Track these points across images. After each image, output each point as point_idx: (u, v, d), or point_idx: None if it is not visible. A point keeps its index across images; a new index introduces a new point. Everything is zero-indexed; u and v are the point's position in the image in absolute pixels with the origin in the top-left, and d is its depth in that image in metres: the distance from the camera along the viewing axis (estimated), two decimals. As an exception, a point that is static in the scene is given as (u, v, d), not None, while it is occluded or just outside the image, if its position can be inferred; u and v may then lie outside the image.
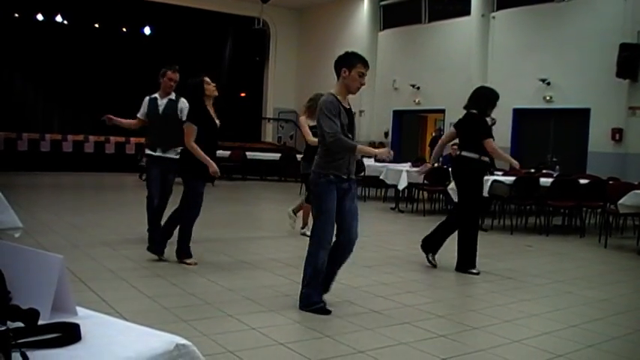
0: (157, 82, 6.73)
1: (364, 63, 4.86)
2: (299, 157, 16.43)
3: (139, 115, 6.78)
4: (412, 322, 4.48)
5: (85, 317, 1.41)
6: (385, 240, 7.97)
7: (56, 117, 19.53)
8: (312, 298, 4.61)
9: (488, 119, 7.04)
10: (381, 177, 12.05)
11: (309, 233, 7.11)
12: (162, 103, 6.64)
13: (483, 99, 6.89)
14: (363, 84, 4.87)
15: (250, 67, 22.12)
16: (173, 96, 6.64)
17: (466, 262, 6.37)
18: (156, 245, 6.24)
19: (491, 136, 6.54)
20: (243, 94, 22.65)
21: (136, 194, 7.73)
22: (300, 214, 8.30)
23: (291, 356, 3.68)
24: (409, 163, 12.55)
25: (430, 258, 6.58)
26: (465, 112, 6.88)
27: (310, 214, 7.26)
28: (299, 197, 13.39)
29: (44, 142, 17.52)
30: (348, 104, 4.83)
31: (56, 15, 18.76)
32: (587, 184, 9.93)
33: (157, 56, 18.59)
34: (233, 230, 8.52)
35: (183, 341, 1.34)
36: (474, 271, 6.34)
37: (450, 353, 3.86)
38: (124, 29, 20.27)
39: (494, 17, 15.92)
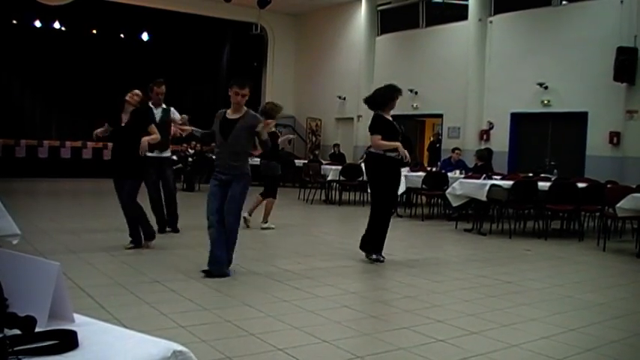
0: (148, 93, 7.81)
1: (238, 84, 5.83)
2: (297, 162, 16.49)
3: None
4: (410, 327, 4.47)
5: (83, 324, 1.41)
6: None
7: (54, 123, 19.50)
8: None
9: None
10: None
11: (267, 225, 9.07)
12: (157, 112, 7.91)
13: (379, 98, 7.40)
14: (238, 101, 5.85)
15: (248, 72, 22.14)
16: (164, 105, 8.12)
17: (374, 247, 6.91)
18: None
19: (383, 134, 6.97)
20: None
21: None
22: (258, 211, 9.16)
23: (290, 362, 3.68)
24: (407, 168, 12.54)
25: (375, 257, 6.94)
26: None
27: (267, 207, 9.04)
28: (298, 201, 13.40)
29: (42, 148, 17.53)
30: (236, 114, 5.93)
31: (54, 21, 18.76)
32: (585, 188, 9.94)
33: (155, 62, 18.66)
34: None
35: (180, 348, 1.34)
36: (379, 257, 6.88)
37: (448, 358, 3.86)
38: (122, 35, 20.28)
39: (491, 22, 15.95)
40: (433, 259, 7.55)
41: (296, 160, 17.04)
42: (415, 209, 12.01)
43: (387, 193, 7.04)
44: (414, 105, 17.78)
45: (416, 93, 17.68)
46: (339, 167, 13.44)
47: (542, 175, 12.18)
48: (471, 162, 13.09)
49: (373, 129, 7.02)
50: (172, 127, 8.26)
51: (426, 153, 18.81)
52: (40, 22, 18.59)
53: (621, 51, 12.69)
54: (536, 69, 14.62)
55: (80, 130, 18.82)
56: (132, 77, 15.98)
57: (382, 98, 7.30)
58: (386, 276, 6.34)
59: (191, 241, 7.83)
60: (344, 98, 20.03)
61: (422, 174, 11.72)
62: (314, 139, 21.14)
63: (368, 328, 4.45)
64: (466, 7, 16.27)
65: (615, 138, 13.13)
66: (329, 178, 13.30)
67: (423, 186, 11.32)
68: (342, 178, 13.15)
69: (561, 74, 14.18)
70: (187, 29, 19.89)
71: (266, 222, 9.07)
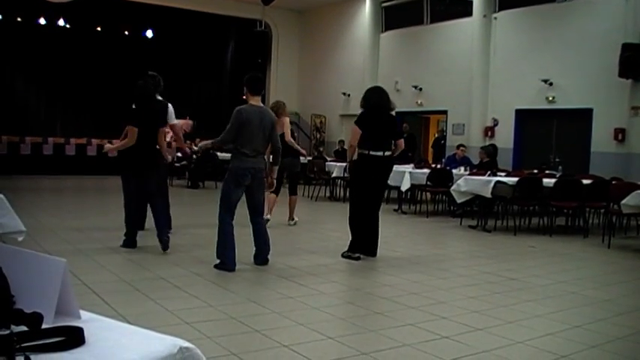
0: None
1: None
2: (302, 159, 16.47)
3: None
4: (415, 324, 4.48)
5: (89, 320, 1.42)
6: (388, 242, 7.96)
7: (59, 120, 19.54)
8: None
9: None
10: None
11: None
12: None
13: (370, 99, 7.08)
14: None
15: (252, 69, 22.02)
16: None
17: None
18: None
19: (361, 127, 6.83)
20: (245, 97, 22.65)
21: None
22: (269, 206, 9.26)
23: (294, 358, 3.69)
24: (412, 165, 12.55)
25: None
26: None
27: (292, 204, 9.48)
28: (303, 198, 13.39)
29: (47, 145, 17.54)
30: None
31: (58, 19, 18.78)
32: (590, 185, 9.92)
33: (159, 59, 18.65)
34: (239, 232, 8.50)
35: (186, 344, 1.34)
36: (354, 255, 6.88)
37: (453, 354, 3.86)
38: (126, 32, 20.28)
39: (495, 18, 15.90)
40: (438, 256, 7.55)
41: (300, 157, 17.01)
42: (420, 206, 11.99)
43: (361, 191, 7.19)
44: (419, 101, 17.75)
45: (420, 89, 17.66)
46: (344, 164, 13.42)
47: (547, 171, 12.16)
48: (475, 159, 13.07)
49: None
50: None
51: (430, 150, 18.77)
52: (45, 19, 18.61)
53: (626, 47, 12.64)
54: (540, 65, 14.58)
55: (85, 128, 18.87)
56: (136, 74, 16.01)
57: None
58: (390, 273, 6.34)
59: (195, 238, 7.85)
60: (348, 95, 20.00)
61: (426, 171, 11.71)
62: (318, 135, 21.14)
63: (373, 324, 4.45)
64: (470, 3, 16.22)
65: (620, 134, 13.09)
66: (333, 175, 13.29)
67: (428, 183, 11.31)
68: (346, 174, 13.13)
69: (566, 71, 14.13)
70: (191, 26, 19.89)
71: (293, 218, 9.55)
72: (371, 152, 6.75)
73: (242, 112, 5.97)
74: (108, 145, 7.04)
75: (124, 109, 7.19)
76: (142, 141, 6.76)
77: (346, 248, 7.01)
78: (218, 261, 6.04)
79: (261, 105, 6.20)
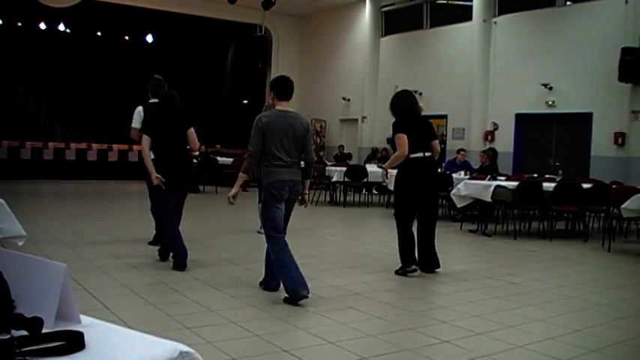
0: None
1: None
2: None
3: None
4: (416, 328, 4.48)
5: (89, 325, 1.42)
6: (388, 246, 7.96)
7: (59, 125, 19.57)
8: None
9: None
10: (383, 183, 12.05)
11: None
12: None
13: (397, 104, 6.79)
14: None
15: (252, 74, 22.14)
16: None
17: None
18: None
19: (405, 132, 6.40)
20: (245, 101, 22.69)
21: (139, 202, 7.73)
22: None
23: (295, 363, 3.69)
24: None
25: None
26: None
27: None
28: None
29: (47, 150, 17.57)
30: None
31: (59, 24, 18.82)
32: (590, 189, 9.92)
33: (159, 64, 18.68)
34: (238, 238, 8.51)
35: (186, 349, 1.34)
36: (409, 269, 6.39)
37: (453, 359, 3.86)
38: (127, 37, 20.33)
39: (495, 22, 15.93)
40: (438, 260, 7.54)
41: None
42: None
43: (403, 200, 6.69)
44: (419, 106, 17.74)
45: (420, 94, 17.63)
46: (344, 168, 13.45)
47: (547, 175, 12.15)
48: (475, 163, 13.07)
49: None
50: None
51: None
52: (45, 24, 18.65)
53: (626, 51, 12.66)
54: (540, 70, 14.60)
55: (85, 132, 18.91)
56: (136, 79, 16.03)
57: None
58: (390, 277, 6.33)
59: (195, 243, 7.84)
60: (348, 99, 20.04)
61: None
62: (318, 140, 21.15)
63: (373, 329, 4.45)
64: (470, 7, 16.26)
65: (620, 138, 13.10)
66: (334, 180, 13.30)
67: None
68: (346, 179, 13.16)
69: (566, 75, 14.15)
70: (192, 31, 19.93)
71: None
72: (410, 155, 6.37)
73: (262, 118, 5.22)
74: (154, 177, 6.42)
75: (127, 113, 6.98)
76: (173, 153, 6.34)
77: (398, 266, 6.50)
78: (286, 295, 5.12)
79: (290, 110, 5.36)
